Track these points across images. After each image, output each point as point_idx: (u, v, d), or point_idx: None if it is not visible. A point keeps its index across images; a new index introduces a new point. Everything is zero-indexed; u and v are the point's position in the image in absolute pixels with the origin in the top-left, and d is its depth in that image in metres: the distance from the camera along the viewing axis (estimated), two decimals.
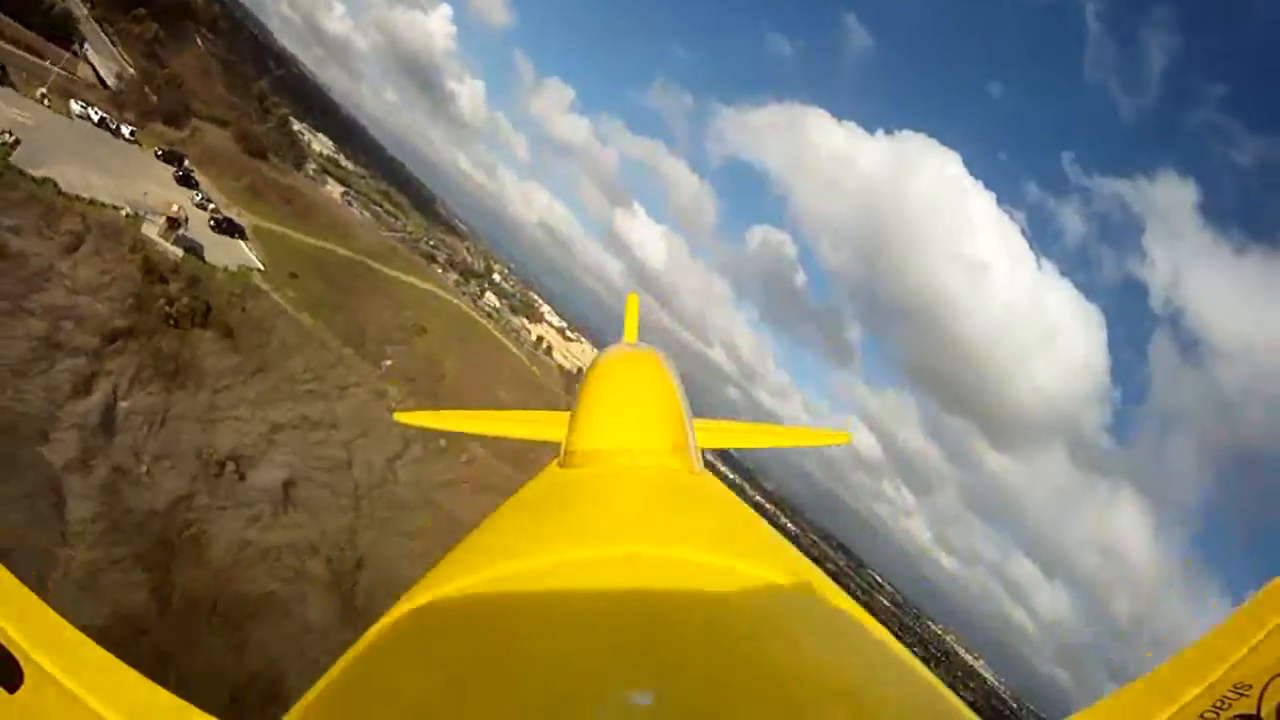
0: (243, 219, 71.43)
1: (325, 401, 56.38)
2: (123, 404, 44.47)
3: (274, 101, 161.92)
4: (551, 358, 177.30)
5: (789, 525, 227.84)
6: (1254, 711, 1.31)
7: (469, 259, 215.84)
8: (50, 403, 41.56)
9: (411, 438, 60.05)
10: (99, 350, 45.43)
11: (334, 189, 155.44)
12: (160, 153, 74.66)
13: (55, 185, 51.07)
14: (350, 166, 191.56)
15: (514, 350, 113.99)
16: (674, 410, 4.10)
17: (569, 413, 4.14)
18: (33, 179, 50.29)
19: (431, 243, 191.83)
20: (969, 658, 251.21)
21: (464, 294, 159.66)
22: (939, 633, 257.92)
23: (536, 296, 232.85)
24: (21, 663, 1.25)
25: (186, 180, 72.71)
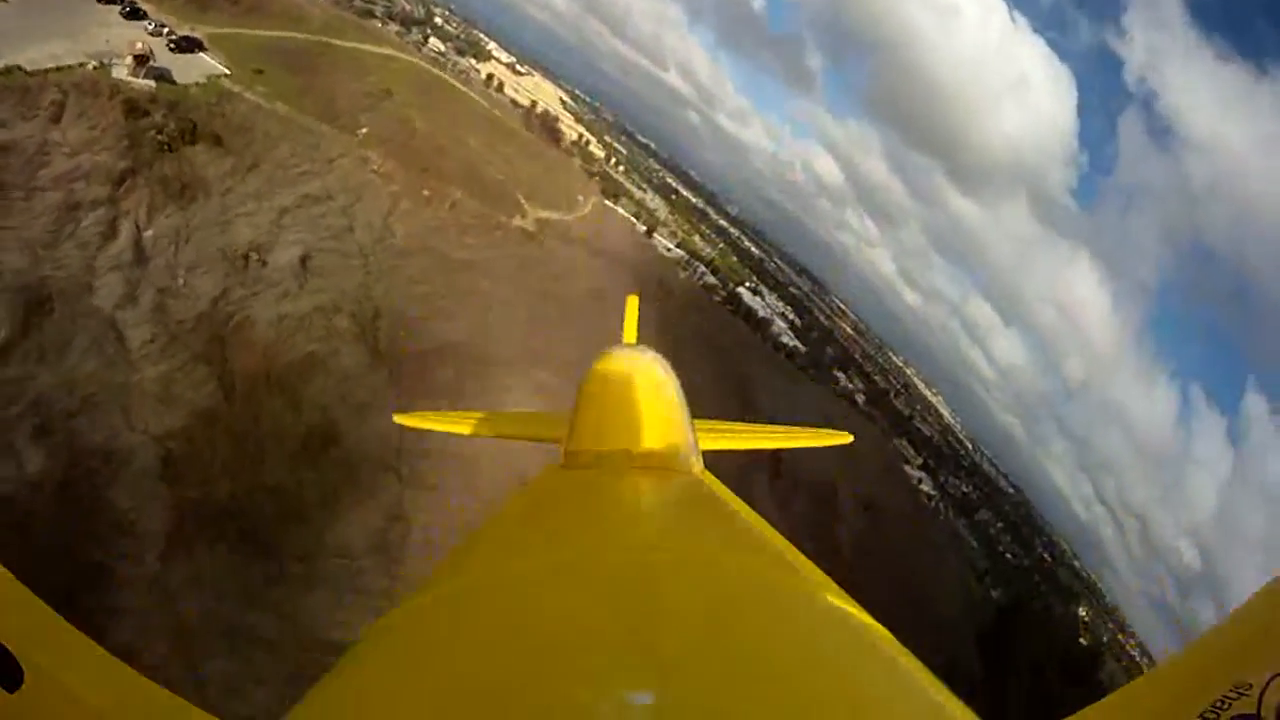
0: (198, 32, 72.55)
1: (318, 178, 60.72)
2: (146, 234, 49.29)
3: None
4: (504, 94, 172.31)
5: (752, 248, 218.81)
6: (1254, 711, 1.49)
7: (407, 6, 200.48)
8: (86, 257, 46.43)
9: (399, 194, 64.67)
10: (113, 196, 49.87)
11: None
12: None
13: (21, 69, 53.37)
14: None
15: (473, 96, 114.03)
16: (673, 412, 4.45)
17: (567, 413, 4.69)
18: None
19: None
20: (928, 392, 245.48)
21: (408, 44, 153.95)
22: (899, 365, 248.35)
23: (481, 35, 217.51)
24: (22, 662, 1.52)
25: (135, 13, 72.29)
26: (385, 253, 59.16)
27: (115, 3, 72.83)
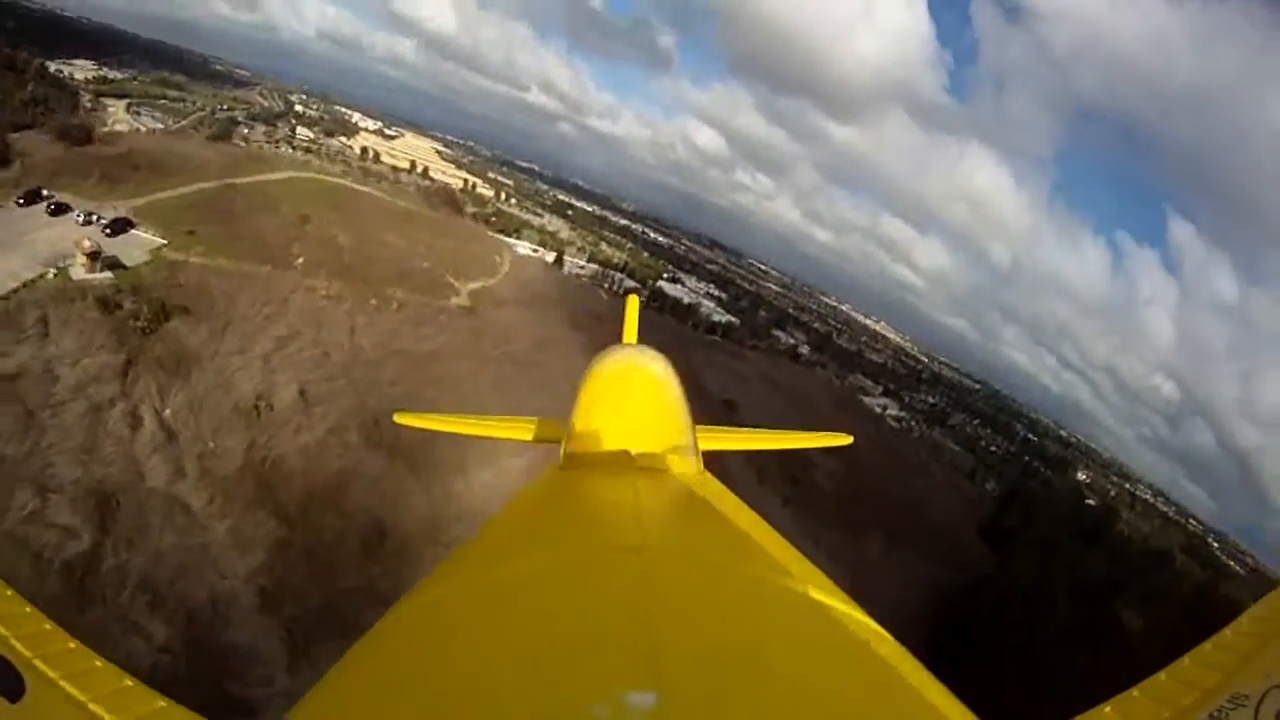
0: (120, 210, 76.71)
1: (281, 319, 66.40)
2: (165, 414, 55.10)
3: (21, 57, 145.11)
4: (382, 163, 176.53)
5: (659, 239, 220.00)
6: None
7: (265, 103, 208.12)
8: (125, 449, 51.38)
9: (352, 310, 71.53)
10: (124, 389, 55.15)
11: (119, 107, 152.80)
12: (20, 201, 75.62)
13: None
14: (118, 75, 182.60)
15: (375, 193, 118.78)
16: (673, 412, 4.55)
17: (562, 420, 4.76)
18: None
19: (225, 107, 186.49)
20: (869, 321, 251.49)
21: (277, 142, 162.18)
22: (834, 304, 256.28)
23: (342, 109, 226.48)
24: (23, 672, 1.57)
25: (59, 209, 75.57)
26: (362, 367, 65.51)
27: (34, 203, 75.88)
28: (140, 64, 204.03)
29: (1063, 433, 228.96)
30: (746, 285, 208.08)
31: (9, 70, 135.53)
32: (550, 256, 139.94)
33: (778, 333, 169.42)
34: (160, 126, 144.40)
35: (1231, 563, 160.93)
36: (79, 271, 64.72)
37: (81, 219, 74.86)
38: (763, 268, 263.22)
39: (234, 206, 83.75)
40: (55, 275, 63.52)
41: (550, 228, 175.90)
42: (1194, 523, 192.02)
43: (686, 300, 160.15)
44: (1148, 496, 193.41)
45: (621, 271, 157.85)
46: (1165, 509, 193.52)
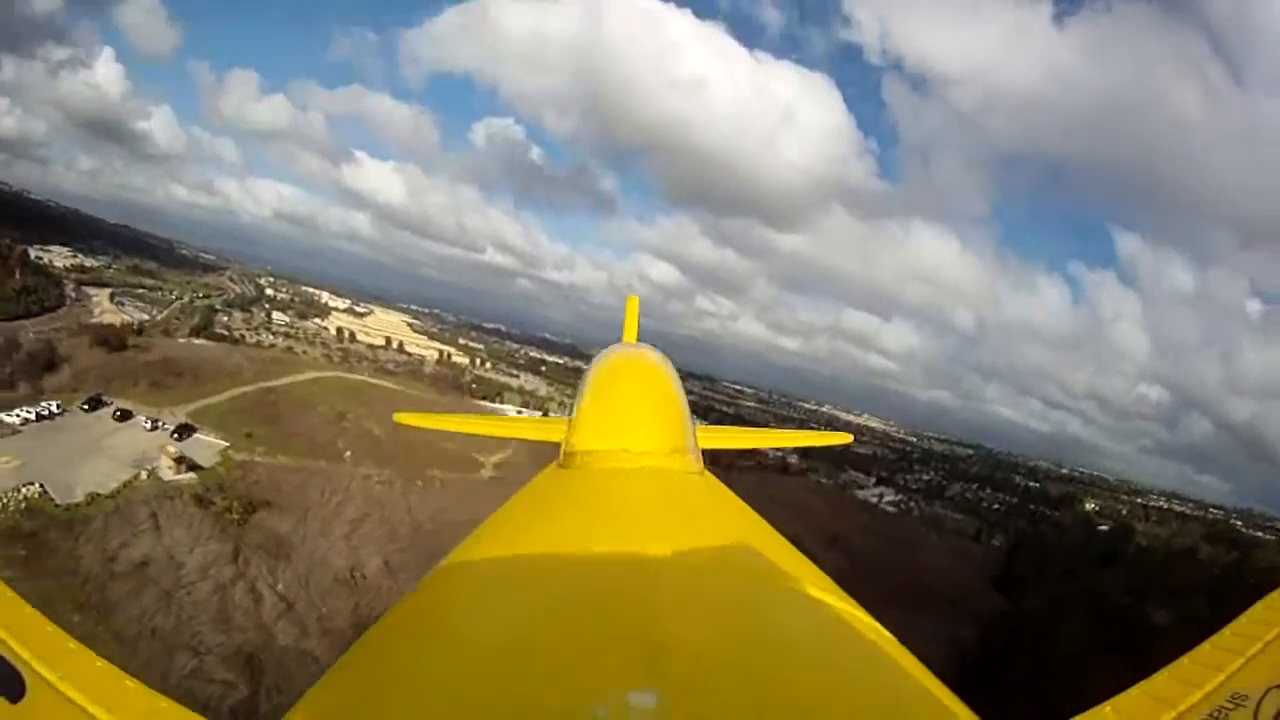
0: (179, 416, 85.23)
1: (349, 504, 75.85)
2: (279, 587, 63.55)
3: (3, 243, 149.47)
4: (359, 342, 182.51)
5: None
6: None
7: (237, 288, 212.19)
8: (261, 619, 59.40)
9: (403, 491, 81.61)
10: (240, 571, 63.86)
11: (102, 296, 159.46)
12: (85, 407, 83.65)
13: (97, 495, 66.53)
14: (93, 263, 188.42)
15: (390, 385, 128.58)
16: (673, 410, 4.68)
17: (559, 417, 5.24)
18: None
19: (202, 295, 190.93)
20: (852, 417, 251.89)
21: (256, 328, 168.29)
22: (813, 407, 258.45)
23: (310, 289, 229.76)
24: (24, 674, 1.57)
25: (125, 415, 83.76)
26: (424, 537, 74.40)
27: (97, 409, 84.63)
28: (111, 249, 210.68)
29: (1064, 470, 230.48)
30: (726, 409, 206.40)
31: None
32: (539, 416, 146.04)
33: (767, 454, 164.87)
34: (145, 317, 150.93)
35: (1260, 534, 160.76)
36: (167, 473, 74.04)
37: (148, 425, 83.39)
38: (738, 388, 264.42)
39: (277, 408, 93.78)
40: (148, 476, 72.31)
41: (529, 386, 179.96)
42: (1213, 511, 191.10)
43: None
44: (1161, 504, 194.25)
45: None
46: (1181, 508, 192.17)
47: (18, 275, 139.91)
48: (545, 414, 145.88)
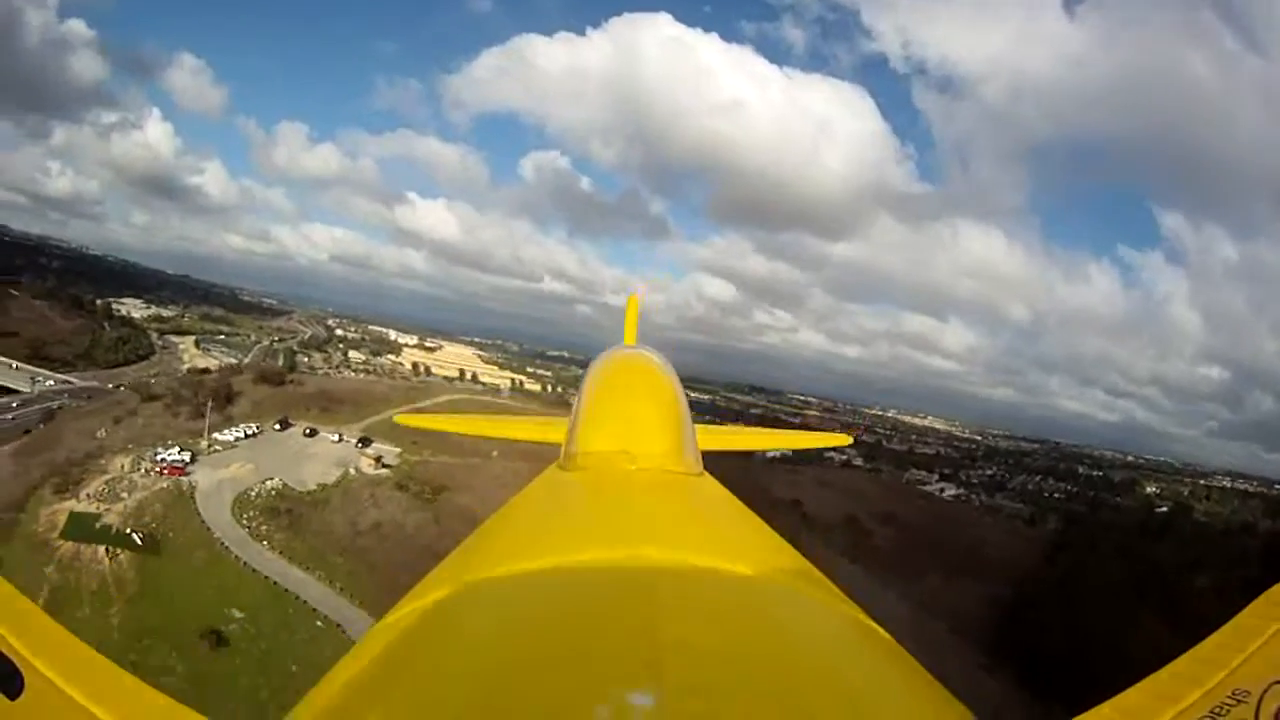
0: (356, 432, 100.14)
1: (506, 486, 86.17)
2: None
3: (86, 299, 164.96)
4: (434, 375, 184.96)
5: (700, 396, 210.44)
6: (1252, 718, 1.49)
7: (307, 330, 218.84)
8: None
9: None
10: (445, 529, 71.26)
11: (187, 343, 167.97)
12: (277, 427, 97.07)
13: (323, 484, 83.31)
14: (168, 312, 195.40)
15: (504, 401, 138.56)
16: (673, 412, 4.64)
17: (559, 417, 4.63)
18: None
19: (278, 339, 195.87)
20: (916, 420, 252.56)
21: (338, 367, 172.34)
22: (879, 413, 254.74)
23: (377, 327, 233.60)
24: (22, 670, 1.55)
25: (313, 432, 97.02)
26: None
27: (287, 428, 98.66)
28: (179, 299, 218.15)
29: (1129, 458, 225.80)
30: (792, 420, 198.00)
31: (77, 309, 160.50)
32: None
33: (830, 453, 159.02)
34: (233, 360, 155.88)
35: None
36: (368, 469, 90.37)
37: (335, 439, 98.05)
38: (803, 399, 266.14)
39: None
40: (355, 472, 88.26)
41: None
42: (1278, 487, 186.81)
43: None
44: (1225, 483, 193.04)
45: None
46: (1244, 486, 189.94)
47: (107, 327, 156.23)
48: None
